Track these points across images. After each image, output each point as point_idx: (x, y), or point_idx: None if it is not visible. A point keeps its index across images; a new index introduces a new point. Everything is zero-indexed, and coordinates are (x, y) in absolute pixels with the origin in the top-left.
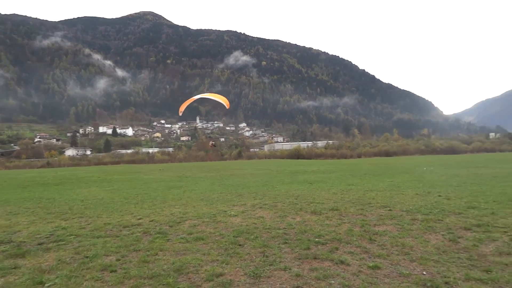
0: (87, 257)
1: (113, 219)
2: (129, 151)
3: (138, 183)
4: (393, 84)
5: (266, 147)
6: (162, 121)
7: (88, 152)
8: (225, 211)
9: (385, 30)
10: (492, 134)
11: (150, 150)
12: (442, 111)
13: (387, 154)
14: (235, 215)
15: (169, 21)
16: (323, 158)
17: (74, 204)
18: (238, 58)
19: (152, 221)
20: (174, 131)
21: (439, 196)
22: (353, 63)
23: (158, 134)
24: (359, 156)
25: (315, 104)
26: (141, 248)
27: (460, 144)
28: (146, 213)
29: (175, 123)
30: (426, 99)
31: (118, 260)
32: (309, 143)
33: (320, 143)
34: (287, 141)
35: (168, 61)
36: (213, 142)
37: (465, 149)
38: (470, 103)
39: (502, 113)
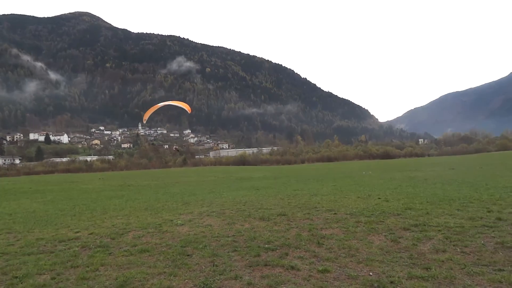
0: (16, 277)
1: (46, 233)
2: (64, 159)
3: (75, 193)
4: (333, 93)
5: (211, 154)
6: (101, 128)
7: (17, 161)
8: (171, 220)
9: (326, 40)
10: (421, 140)
11: (88, 158)
12: (377, 119)
13: (329, 159)
14: (182, 224)
15: (108, 23)
16: (268, 164)
17: (0, 219)
18: (182, 63)
19: (91, 234)
20: (115, 138)
21: (379, 198)
22: (295, 71)
23: (97, 141)
24: (302, 162)
25: (260, 111)
26: (80, 264)
27: (394, 149)
28: (85, 225)
29: (115, 129)
30: (363, 107)
31: (53, 278)
32: (254, 150)
33: (265, 150)
34: (232, 148)
35: (107, 65)
36: (177, 147)
37: (398, 154)
38: (401, 111)
39: (428, 121)
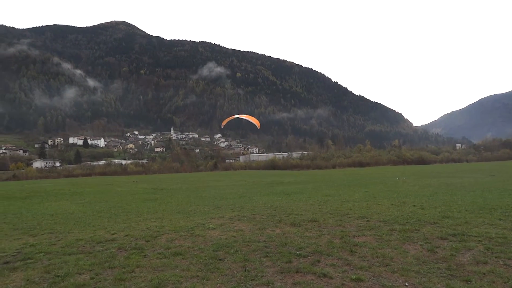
0: (58, 276)
1: (85, 234)
2: (101, 162)
3: (111, 195)
4: (364, 97)
5: (241, 158)
6: (136, 132)
7: (58, 164)
8: (203, 224)
9: (356, 43)
10: (458, 145)
11: (123, 162)
12: (411, 123)
13: (361, 164)
14: (214, 228)
15: (143, 31)
16: (298, 169)
17: (43, 219)
18: (212, 69)
19: (127, 235)
20: (148, 142)
21: (414, 206)
22: (326, 75)
23: (131, 145)
24: (333, 167)
25: (290, 116)
26: (117, 265)
27: (429, 154)
28: (121, 227)
29: (149, 134)
30: (396, 111)
31: (92, 278)
32: (285, 154)
33: (295, 154)
34: (262, 152)
35: (142, 72)
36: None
37: (434, 160)
38: (437, 115)
39: (466, 125)
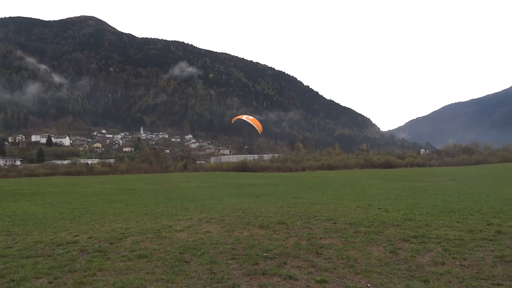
0: (13, 280)
1: (45, 236)
2: (65, 162)
3: (75, 196)
4: (335, 101)
5: (212, 160)
6: (103, 131)
7: (18, 163)
8: (170, 226)
9: (329, 48)
10: (422, 150)
11: (89, 161)
12: (379, 128)
13: (330, 167)
14: (181, 230)
15: (113, 27)
16: (269, 171)
17: None
18: (184, 69)
19: (90, 238)
20: (116, 142)
21: (379, 208)
22: (298, 79)
23: (98, 145)
24: (303, 170)
25: (262, 118)
26: (78, 268)
27: (395, 159)
28: (84, 229)
29: (117, 133)
30: (365, 116)
31: (50, 282)
32: (256, 156)
33: (266, 156)
34: (233, 154)
35: (111, 69)
36: (247, 147)
37: (399, 164)
38: (403, 121)
39: (430, 131)
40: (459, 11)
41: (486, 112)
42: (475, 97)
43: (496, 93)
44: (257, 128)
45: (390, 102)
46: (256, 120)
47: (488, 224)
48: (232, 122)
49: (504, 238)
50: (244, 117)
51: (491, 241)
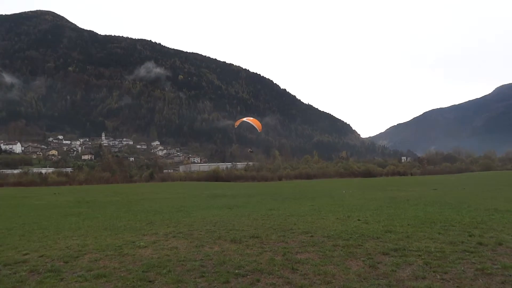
0: None
1: None
2: (16, 171)
3: (25, 209)
4: (313, 106)
5: (181, 168)
6: (60, 137)
7: None
8: (133, 242)
9: (307, 50)
10: (404, 158)
11: (43, 170)
12: (359, 134)
13: (308, 176)
14: (145, 246)
15: (73, 23)
16: (243, 181)
17: None
18: (151, 69)
19: (42, 256)
20: (74, 149)
21: (359, 220)
22: (274, 82)
23: (54, 152)
24: (280, 179)
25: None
26: None
27: (376, 167)
28: (35, 246)
29: (76, 139)
30: (345, 121)
31: None
32: (229, 164)
33: (240, 165)
34: (204, 162)
35: (70, 69)
36: (251, 150)
37: (380, 172)
38: (383, 127)
39: (411, 138)
40: (439, 17)
41: (467, 119)
42: (456, 103)
43: (476, 99)
44: (256, 127)
45: (370, 108)
46: (256, 120)
47: (470, 235)
48: (235, 126)
49: (485, 249)
50: (245, 119)
51: (472, 253)
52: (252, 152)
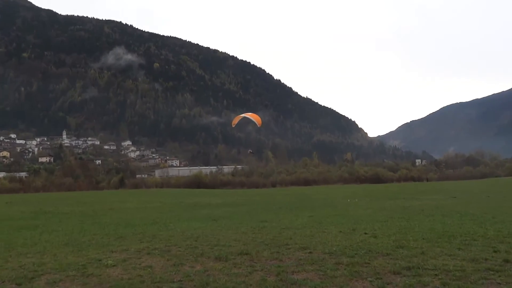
0: None
1: None
2: None
3: None
4: (312, 99)
5: (157, 173)
6: (12, 136)
7: None
8: (100, 260)
9: (306, 36)
10: (418, 161)
11: None
12: (366, 133)
13: (306, 182)
14: (114, 265)
15: (28, 1)
16: (230, 188)
17: None
18: (121, 56)
19: None
20: (30, 150)
21: (365, 233)
22: (267, 71)
23: (5, 153)
24: (273, 185)
25: (221, 120)
26: None
27: (386, 171)
28: None
29: (32, 138)
30: (349, 118)
31: None
32: (213, 168)
33: (227, 169)
34: (184, 166)
35: (25, 55)
36: (251, 151)
37: (391, 178)
38: (395, 125)
39: (427, 137)
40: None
41: (492, 115)
42: (479, 97)
43: (503, 92)
44: (255, 122)
45: (379, 102)
46: (254, 115)
47: (495, 251)
48: (233, 126)
49: None
50: (243, 115)
51: (497, 272)
52: (252, 153)
